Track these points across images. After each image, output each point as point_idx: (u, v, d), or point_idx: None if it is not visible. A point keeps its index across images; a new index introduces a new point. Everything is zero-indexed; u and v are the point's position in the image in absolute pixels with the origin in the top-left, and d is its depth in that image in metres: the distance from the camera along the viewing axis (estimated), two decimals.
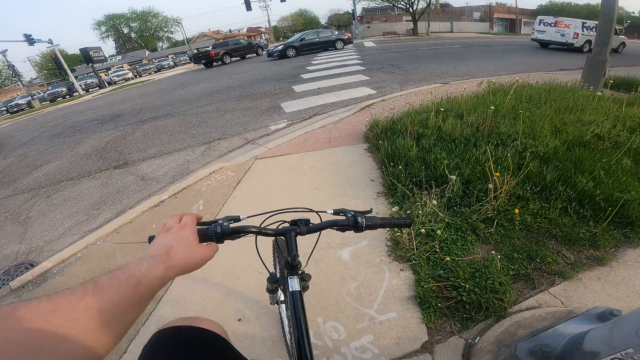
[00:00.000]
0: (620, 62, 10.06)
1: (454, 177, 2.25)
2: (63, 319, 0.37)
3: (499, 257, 1.86)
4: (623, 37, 16.32)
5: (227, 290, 1.98)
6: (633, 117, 3.30)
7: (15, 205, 4.27)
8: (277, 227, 0.86)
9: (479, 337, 1.49)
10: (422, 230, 2.02)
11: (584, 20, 15.04)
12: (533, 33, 16.22)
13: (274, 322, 1.71)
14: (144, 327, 1.86)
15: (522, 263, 1.83)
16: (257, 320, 1.74)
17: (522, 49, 14.72)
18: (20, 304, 0.36)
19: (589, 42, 14.14)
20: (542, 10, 44.65)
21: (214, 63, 20.95)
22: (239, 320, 1.76)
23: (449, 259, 1.82)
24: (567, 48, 14.75)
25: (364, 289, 1.84)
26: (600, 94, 4.28)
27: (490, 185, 2.07)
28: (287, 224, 0.88)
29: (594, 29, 13.87)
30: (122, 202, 3.71)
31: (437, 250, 1.94)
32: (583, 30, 14.55)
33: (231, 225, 0.76)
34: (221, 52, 20.69)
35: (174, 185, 3.60)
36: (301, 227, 0.83)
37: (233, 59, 21.92)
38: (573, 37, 14.55)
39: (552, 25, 15.16)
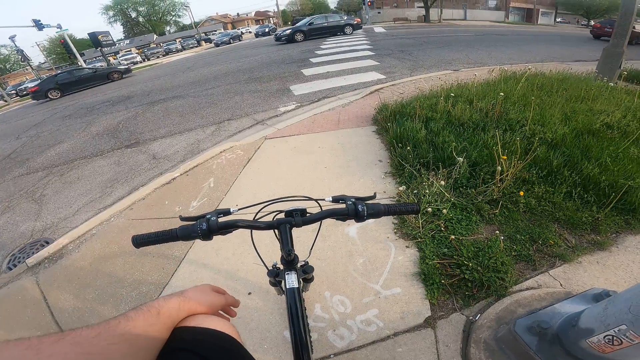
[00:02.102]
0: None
1: (461, 159, 2.28)
2: (105, 343, 0.43)
3: (502, 237, 1.90)
4: None
5: (237, 265, 2.05)
6: None
7: (29, 183, 4.37)
8: (272, 219, 0.82)
9: (479, 314, 1.53)
10: (429, 209, 2.07)
11: None
12: None
13: (282, 297, 1.77)
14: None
15: (524, 244, 1.87)
16: (266, 294, 1.80)
17: (538, 39, 14.24)
18: (66, 331, 0.42)
19: None
20: (562, 1, 42.64)
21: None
22: (249, 293, 1.83)
23: (453, 237, 1.86)
24: None
25: (370, 264, 1.91)
26: (613, 85, 4.22)
27: (498, 168, 2.10)
28: (283, 215, 0.82)
29: None
30: (135, 180, 3.81)
31: (442, 229, 2.00)
32: None
33: (220, 220, 0.73)
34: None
35: (185, 164, 3.69)
36: (296, 218, 0.78)
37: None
38: None
39: None
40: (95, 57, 36.17)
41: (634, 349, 0.88)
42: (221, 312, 0.73)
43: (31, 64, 31.39)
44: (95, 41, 26.54)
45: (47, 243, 2.82)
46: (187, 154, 4.30)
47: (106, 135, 5.93)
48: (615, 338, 0.91)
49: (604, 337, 0.94)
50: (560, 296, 1.50)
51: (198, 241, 2.29)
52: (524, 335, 1.26)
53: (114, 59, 34.02)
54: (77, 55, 25.05)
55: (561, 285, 1.64)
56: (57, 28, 24.84)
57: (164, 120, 6.17)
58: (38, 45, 43.93)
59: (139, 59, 32.86)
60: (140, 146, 4.97)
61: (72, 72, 16.58)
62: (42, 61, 57.71)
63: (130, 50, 41.59)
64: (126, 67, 19.29)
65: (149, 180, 3.67)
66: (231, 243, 2.21)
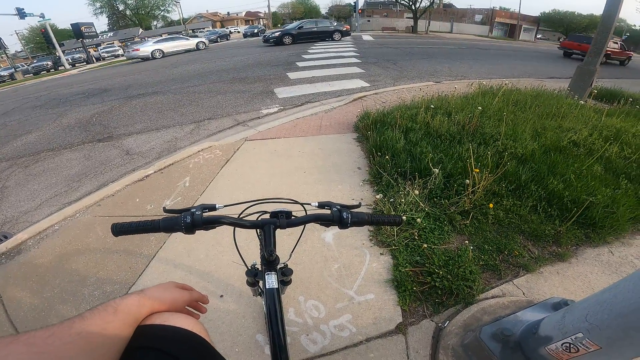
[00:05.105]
0: (609, 74, 10.33)
1: (437, 170, 2.34)
2: (60, 342, 0.42)
3: (472, 247, 1.95)
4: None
5: (210, 267, 2.00)
6: (610, 127, 3.44)
7: None
8: (256, 219, 0.82)
9: (448, 321, 1.58)
10: (404, 217, 2.10)
11: None
12: None
13: (256, 299, 1.74)
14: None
15: (491, 254, 1.94)
16: (239, 297, 1.77)
17: (517, 54, 14.93)
18: (20, 333, 0.41)
19: None
20: (544, 18, 45.21)
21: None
22: (221, 296, 1.79)
23: (426, 246, 1.91)
24: None
25: (345, 270, 1.91)
26: (583, 103, 4.43)
27: (468, 181, 2.17)
28: (267, 215, 0.82)
29: None
30: (105, 175, 3.66)
31: (416, 237, 2.03)
32: None
33: (205, 215, 0.73)
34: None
35: (160, 161, 3.57)
36: (281, 220, 0.78)
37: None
38: None
39: None
40: (75, 48, 34.69)
41: (590, 356, 0.91)
42: (190, 309, 0.72)
43: (7, 52, 29.89)
44: (77, 32, 25.68)
45: (5, 237, 2.66)
46: (163, 152, 4.18)
47: (78, 128, 5.67)
48: (572, 345, 0.94)
49: (562, 344, 0.98)
50: (522, 304, 1.56)
51: (170, 240, 2.24)
52: (488, 342, 1.29)
53: (95, 51, 32.76)
54: (57, 46, 24.12)
55: (523, 294, 1.71)
56: (40, 17, 23.83)
57: (140, 116, 5.97)
58: (17, 33, 41.67)
59: (120, 52, 31.67)
60: (114, 141, 4.78)
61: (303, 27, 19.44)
62: (19, 49, 54.92)
63: (113, 43, 40.09)
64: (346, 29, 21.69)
65: (120, 177, 3.53)
66: (204, 244, 2.16)
